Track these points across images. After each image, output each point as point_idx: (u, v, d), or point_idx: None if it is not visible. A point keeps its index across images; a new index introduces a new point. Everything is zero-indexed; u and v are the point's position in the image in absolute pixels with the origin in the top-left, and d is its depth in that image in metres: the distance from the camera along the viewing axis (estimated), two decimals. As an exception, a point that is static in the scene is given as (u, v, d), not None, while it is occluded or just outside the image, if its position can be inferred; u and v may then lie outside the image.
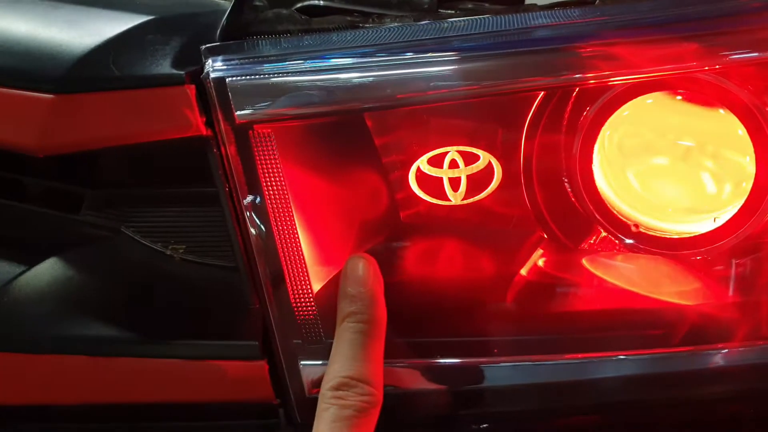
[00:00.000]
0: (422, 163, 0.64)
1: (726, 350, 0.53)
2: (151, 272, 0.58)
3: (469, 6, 0.75)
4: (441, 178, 0.64)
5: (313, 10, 0.75)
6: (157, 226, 0.59)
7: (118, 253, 0.59)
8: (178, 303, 0.58)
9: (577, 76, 0.55)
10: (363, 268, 0.55)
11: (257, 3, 0.78)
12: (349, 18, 0.60)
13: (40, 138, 0.54)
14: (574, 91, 0.62)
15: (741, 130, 0.60)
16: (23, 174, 0.60)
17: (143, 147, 0.53)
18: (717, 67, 0.54)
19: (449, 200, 0.64)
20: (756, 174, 0.59)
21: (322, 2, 0.76)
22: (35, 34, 0.55)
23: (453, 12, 0.71)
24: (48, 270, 0.58)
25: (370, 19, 0.61)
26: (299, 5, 0.77)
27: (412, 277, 0.63)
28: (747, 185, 0.60)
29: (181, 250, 0.59)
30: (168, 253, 0.58)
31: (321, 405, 0.51)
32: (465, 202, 0.64)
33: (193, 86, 0.51)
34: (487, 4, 0.75)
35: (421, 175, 0.63)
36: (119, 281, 0.59)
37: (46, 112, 0.53)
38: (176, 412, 0.58)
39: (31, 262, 0.58)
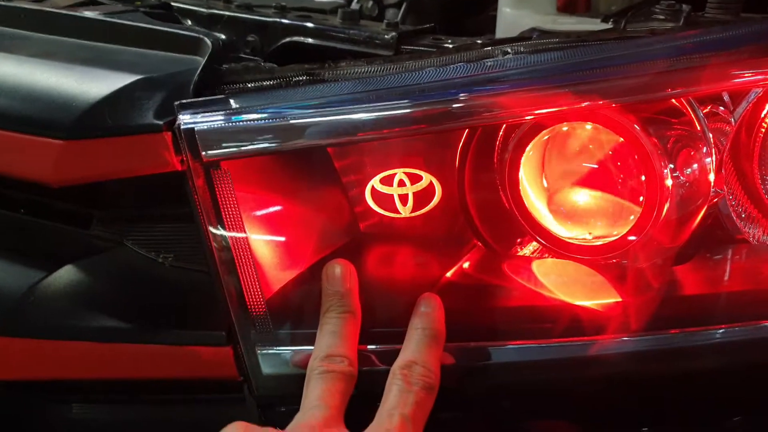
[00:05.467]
0: (376, 182, 0.73)
1: (598, 342, 0.62)
2: (147, 276, 0.69)
3: (428, 42, 0.85)
4: (392, 195, 0.74)
5: (292, 47, 0.86)
6: (151, 239, 0.70)
7: (121, 260, 0.70)
8: (167, 300, 0.69)
9: (490, 116, 0.64)
10: (339, 270, 0.65)
11: (250, 38, 0.89)
12: (306, 66, 0.70)
13: (55, 173, 0.65)
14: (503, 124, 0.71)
15: (636, 155, 0.69)
16: (45, 198, 0.72)
17: (136, 179, 0.65)
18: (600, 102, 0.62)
19: (399, 213, 0.73)
20: (647, 190, 0.68)
21: (300, 39, 0.87)
22: (51, 91, 0.67)
23: (411, 50, 0.81)
24: (66, 274, 0.68)
25: (326, 65, 0.71)
26: (282, 41, 0.88)
27: (369, 276, 0.73)
28: (642, 199, 0.69)
29: (170, 258, 0.70)
30: (160, 260, 0.70)
31: (311, 373, 0.60)
32: (413, 214, 0.73)
33: (170, 133, 0.63)
34: (443, 38, 0.85)
35: (375, 192, 0.73)
36: (122, 283, 0.70)
37: (59, 154, 0.65)
38: (165, 386, 0.69)
39: (53, 268, 0.68)
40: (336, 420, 0.58)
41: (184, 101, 0.62)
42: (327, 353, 0.61)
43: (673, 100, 0.68)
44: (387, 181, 0.71)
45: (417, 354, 0.61)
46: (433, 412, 0.60)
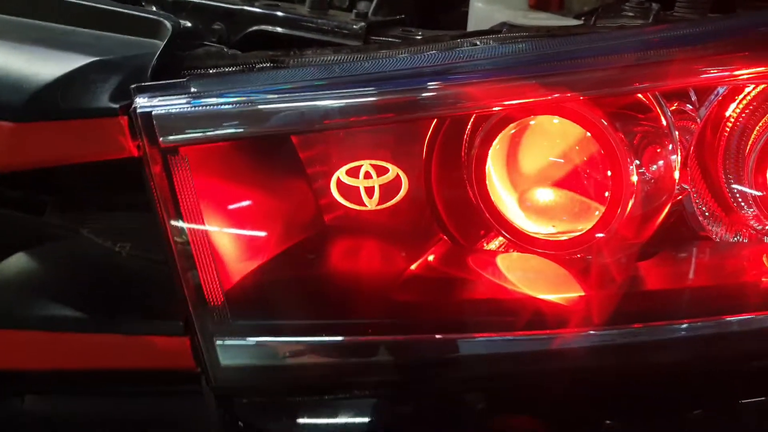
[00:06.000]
0: (341, 174, 0.72)
1: (562, 335, 0.61)
2: (103, 265, 0.67)
3: (397, 34, 0.84)
4: (358, 187, 0.72)
5: (259, 36, 0.84)
6: (108, 228, 0.68)
7: (76, 249, 0.67)
8: (123, 290, 0.67)
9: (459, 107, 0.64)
10: None
11: (216, 27, 0.87)
12: (270, 53, 0.68)
13: (4, 158, 0.62)
14: (470, 116, 0.71)
15: (602, 150, 0.68)
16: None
17: (91, 165, 0.63)
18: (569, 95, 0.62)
19: (365, 206, 0.72)
20: (612, 185, 0.68)
21: (268, 27, 0.85)
22: (0, 71, 0.65)
23: (380, 40, 0.80)
24: (17, 262, 0.66)
25: (291, 53, 0.70)
26: (249, 30, 0.86)
27: (333, 269, 0.72)
28: (608, 194, 0.68)
29: (127, 248, 0.68)
30: (116, 249, 0.68)
31: None
32: (379, 207, 0.72)
33: (126, 117, 0.61)
34: (413, 30, 0.84)
35: (341, 184, 0.71)
36: (76, 272, 0.68)
37: (8, 137, 0.62)
38: (121, 377, 0.67)
39: (3, 255, 0.66)
40: None
41: (141, 84, 0.60)
42: None
43: (640, 96, 0.68)
44: (353, 172, 0.70)
45: None
46: (397, 404, 0.58)
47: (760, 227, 0.72)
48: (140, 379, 0.66)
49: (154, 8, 0.86)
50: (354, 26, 0.79)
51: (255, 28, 0.85)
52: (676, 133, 0.70)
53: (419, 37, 0.78)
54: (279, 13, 0.82)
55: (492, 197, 0.70)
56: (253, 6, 0.84)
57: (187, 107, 0.59)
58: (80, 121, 0.60)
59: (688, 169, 0.71)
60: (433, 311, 0.64)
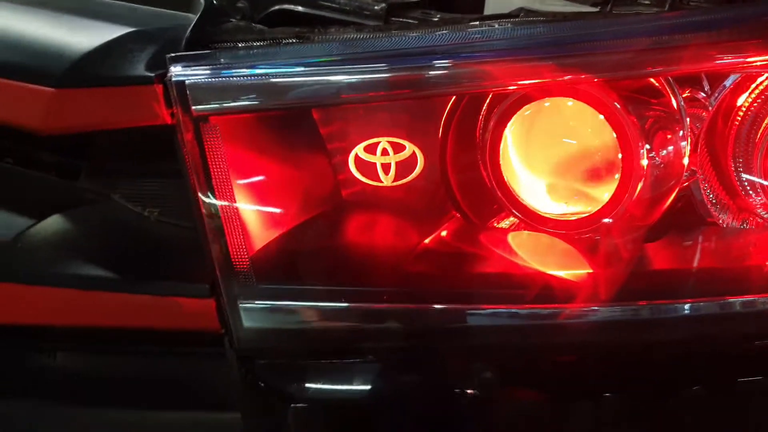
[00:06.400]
0: (359, 150, 0.74)
1: (567, 310, 0.64)
2: (133, 229, 0.70)
3: (417, 15, 0.86)
4: (375, 164, 0.75)
5: (281, 15, 0.87)
6: (139, 193, 0.71)
7: (108, 213, 0.70)
8: (152, 252, 0.70)
9: (476, 85, 0.66)
10: None
11: (240, 5, 0.89)
12: (296, 29, 0.71)
13: (44, 121, 0.65)
14: (486, 95, 0.73)
15: (615, 133, 0.71)
16: (35, 148, 0.73)
17: (124, 131, 0.66)
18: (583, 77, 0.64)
19: (381, 182, 0.74)
20: (623, 168, 0.70)
21: (290, 6, 0.87)
22: (42, 39, 0.66)
23: (400, 21, 0.83)
24: (53, 223, 0.69)
25: (316, 30, 0.72)
26: (272, 9, 0.89)
27: (350, 239, 0.74)
28: (618, 177, 0.71)
29: (156, 213, 0.71)
30: (146, 214, 0.71)
31: None
32: (395, 184, 0.74)
33: (161, 86, 0.63)
34: (433, 12, 0.86)
35: (358, 160, 0.73)
36: (108, 234, 0.71)
37: (48, 102, 0.65)
38: (150, 336, 0.69)
39: (40, 217, 0.69)
40: None
41: (175, 54, 0.63)
42: None
43: (653, 81, 0.70)
44: (371, 149, 0.72)
45: None
46: (408, 370, 0.61)
47: (767, 215, 0.74)
48: (166, 339, 0.69)
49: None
50: (375, 7, 0.80)
51: (278, 7, 0.87)
52: (688, 119, 0.71)
53: (437, 19, 0.80)
54: (302, -7, 0.84)
55: (505, 177, 0.72)
56: (277, -15, 0.86)
57: (219, 78, 0.62)
58: (117, 88, 0.63)
59: (697, 156, 0.73)
60: (444, 283, 0.66)
